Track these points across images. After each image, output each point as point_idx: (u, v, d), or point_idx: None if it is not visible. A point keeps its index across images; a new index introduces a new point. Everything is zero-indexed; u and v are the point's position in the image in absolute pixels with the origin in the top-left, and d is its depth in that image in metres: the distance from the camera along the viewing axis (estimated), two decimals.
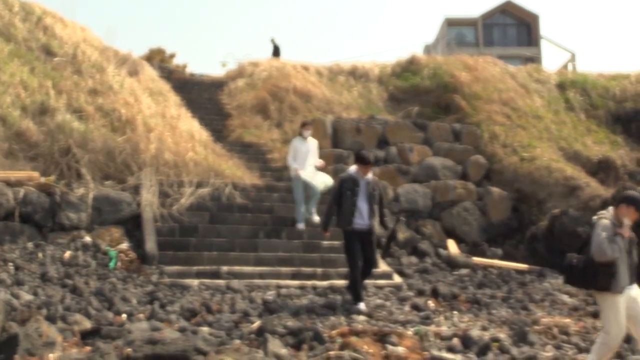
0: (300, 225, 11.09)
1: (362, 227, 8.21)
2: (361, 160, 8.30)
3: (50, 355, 5.09)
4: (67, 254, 9.40)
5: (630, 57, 79.77)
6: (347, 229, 8.21)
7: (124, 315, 7.23)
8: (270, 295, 8.89)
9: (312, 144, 11.43)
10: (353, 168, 8.42)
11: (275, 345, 5.81)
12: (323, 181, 11.17)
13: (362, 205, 8.18)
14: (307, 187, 11.12)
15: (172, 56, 24.70)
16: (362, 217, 8.19)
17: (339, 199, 8.26)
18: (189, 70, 22.49)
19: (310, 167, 11.22)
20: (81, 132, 11.47)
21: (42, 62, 13.22)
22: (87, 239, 10.01)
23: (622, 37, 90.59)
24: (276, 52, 22.68)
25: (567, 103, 16.81)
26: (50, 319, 6.41)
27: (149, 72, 15.81)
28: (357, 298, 8.22)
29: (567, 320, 8.23)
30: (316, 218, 11.18)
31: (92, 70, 13.55)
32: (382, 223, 8.78)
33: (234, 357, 5.21)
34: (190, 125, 13.61)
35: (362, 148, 13.63)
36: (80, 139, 11.33)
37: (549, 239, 12.12)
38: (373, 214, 8.32)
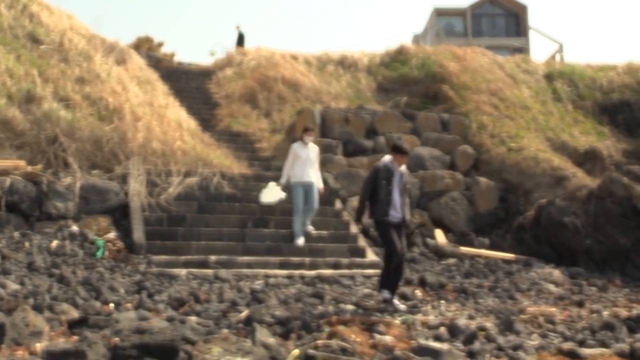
0: (300, 241, 10.57)
1: (395, 220, 7.75)
2: (398, 150, 7.83)
3: (37, 344, 5.07)
4: (54, 243, 9.36)
5: (617, 48, 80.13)
6: (384, 219, 7.71)
7: (112, 305, 7.22)
8: (258, 284, 8.90)
9: (312, 150, 10.92)
10: (387, 158, 7.94)
11: (263, 334, 5.81)
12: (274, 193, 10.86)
13: (396, 196, 7.74)
14: (306, 196, 10.68)
15: (160, 45, 24.55)
16: (396, 209, 7.73)
17: (374, 189, 7.74)
18: (177, 59, 22.37)
19: (310, 174, 10.74)
20: (68, 121, 11.40)
21: (28, 50, 13.10)
22: (74, 228, 9.96)
23: (609, 28, 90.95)
24: (240, 40, 22.20)
25: (554, 94, 16.89)
26: (37, 308, 6.38)
27: (137, 61, 15.71)
28: (384, 285, 7.92)
29: (553, 309, 8.29)
30: (310, 228, 10.86)
31: (79, 59, 13.45)
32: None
33: (222, 346, 5.22)
34: (178, 114, 13.57)
35: (351, 138, 13.68)
36: (67, 128, 11.27)
37: (535, 229, 12.20)
38: (405, 207, 7.84)
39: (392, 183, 7.70)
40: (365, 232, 11.92)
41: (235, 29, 22.62)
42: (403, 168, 7.91)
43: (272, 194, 10.95)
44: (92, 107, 12.09)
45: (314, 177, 10.81)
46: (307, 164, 10.71)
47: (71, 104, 11.94)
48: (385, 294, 7.88)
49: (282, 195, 10.93)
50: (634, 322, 7.10)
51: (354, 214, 8.27)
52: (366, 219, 9.20)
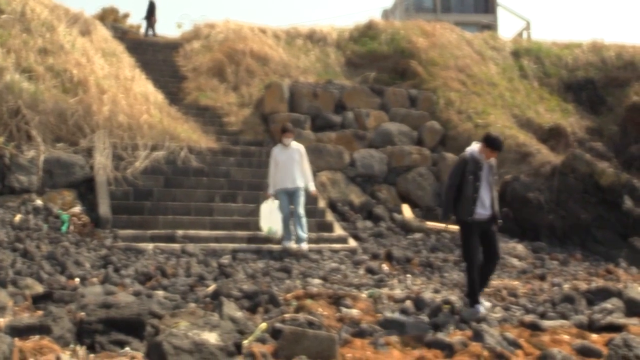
0: (288, 244, 9.65)
1: (482, 217, 6.76)
2: (491, 144, 6.73)
3: (1, 319, 5.02)
4: (18, 217, 9.22)
5: (582, 26, 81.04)
6: (469, 220, 6.73)
7: (77, 279, 7.17)
8: (225, 259, 8.91)
9: (295, 151, 9.97)
10: (475, 148, 6.87)
11: (231, 308, 5.84)
12: (270, 227, 9.79)
13: (484, 192, 6.77)
14: (291, 199, 9.83)
15: (125, 16, 24.01)
16: (484, 206, 6.75)
17: (460, 183, 6.78)
18: (144, 31, 21.89)
19: (295, 178, 9.82)
20: (31, 93, 11.15)
21: None
22: (38, 202, 9.82)
23: (575, 6, 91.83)
24: (151, 9, 20.97)
25: (521, 71, 17.06)
26: (1, 283, 6.31)
27: (102, 32, 15.38)
28: (476, 300, 6.68)
29: (516, 282, 8.49)
30: (305, 246, 9.60)
31: (41, 29, 13.11)
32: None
33: (189, 320, 5.23)
34: (144, 87, 13.36)
35: (319, 113, 13.64)
36: (30, 100, 11.03)
37: (500, 204, 12.38)
38: (496, 203, 6.88)
39: (480, 178, 6.77)
40: (332, 206, 11.99)
41: None
42: (492, 160, 6.96)
43: (272, 217, 9.82)
44: (55, 79, 11.84)
45: (300, 181, 9.89)
46: (289, 167, 9.82)
47: (34, 75, 11.67)
48: (482, 309, 6.64)
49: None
50: (592, 294, 7.32)
51: (441, 212, 7.07)
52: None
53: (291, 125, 10.75)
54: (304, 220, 9.80)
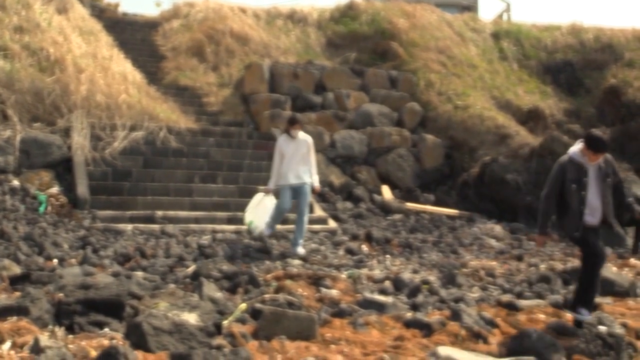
0: (268, 232, 9.05)
1: (592, 223, 5.70)
2: (593, 146, 5.65)
3: None
4: None
5: (562, 8, 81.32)
6: (576, 236, 5.70)
7: (55, 261, 7.12)
8: (205, 239, 8.89)
9: (302, 142, 8.97)
10: (576, 149, 5.86)
11: (211, 289, 5.85)
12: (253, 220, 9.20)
13: (594, 200, 5.66)
14: (296, 195, 8.89)
15: None
16: (594, 215, 5.67)
17: (560, 193, 5.79)
18: (122, 9, 21.54)
19: (301, 173, 8.86)
20: (6, 72, 10.98)
21: None
22: (15, 182, 9.70)
23: None
24: None
25: (501, 53, 17.11)
26: None
27: (79, 10, 15.12)
28: (583, 302, 5.72)
29: (493, 263, 8.59)
30: (301, 251, 8.58)
31: (17, 7, 12.87)
32: (629, 209, 5.80)
33: (169, 301, 5.23)
34: (123, 66, 13.20)
35: (300, 93, 13.58)
36: (6, 79, 10.86)
37: (479, 186, 12.50)
38: (610, 210, 5.72)
39: (586, 185, 5.67)
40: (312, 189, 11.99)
41: None
42: (606, 157, 5.81)
43: (258, 211, 9.20)
44: (32, 58, 11.65)
45: (306, 176, 8.92)
46: (295, 160, 8.85)
47: (9, 53, 11.47)
48: (585, 313, 5.64)
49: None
50: (568, 274, 7.44)
51: (538, 227, 6.19)
52: None
53: (300, 116, 10.07)
54: (305, 225, 8.87)
